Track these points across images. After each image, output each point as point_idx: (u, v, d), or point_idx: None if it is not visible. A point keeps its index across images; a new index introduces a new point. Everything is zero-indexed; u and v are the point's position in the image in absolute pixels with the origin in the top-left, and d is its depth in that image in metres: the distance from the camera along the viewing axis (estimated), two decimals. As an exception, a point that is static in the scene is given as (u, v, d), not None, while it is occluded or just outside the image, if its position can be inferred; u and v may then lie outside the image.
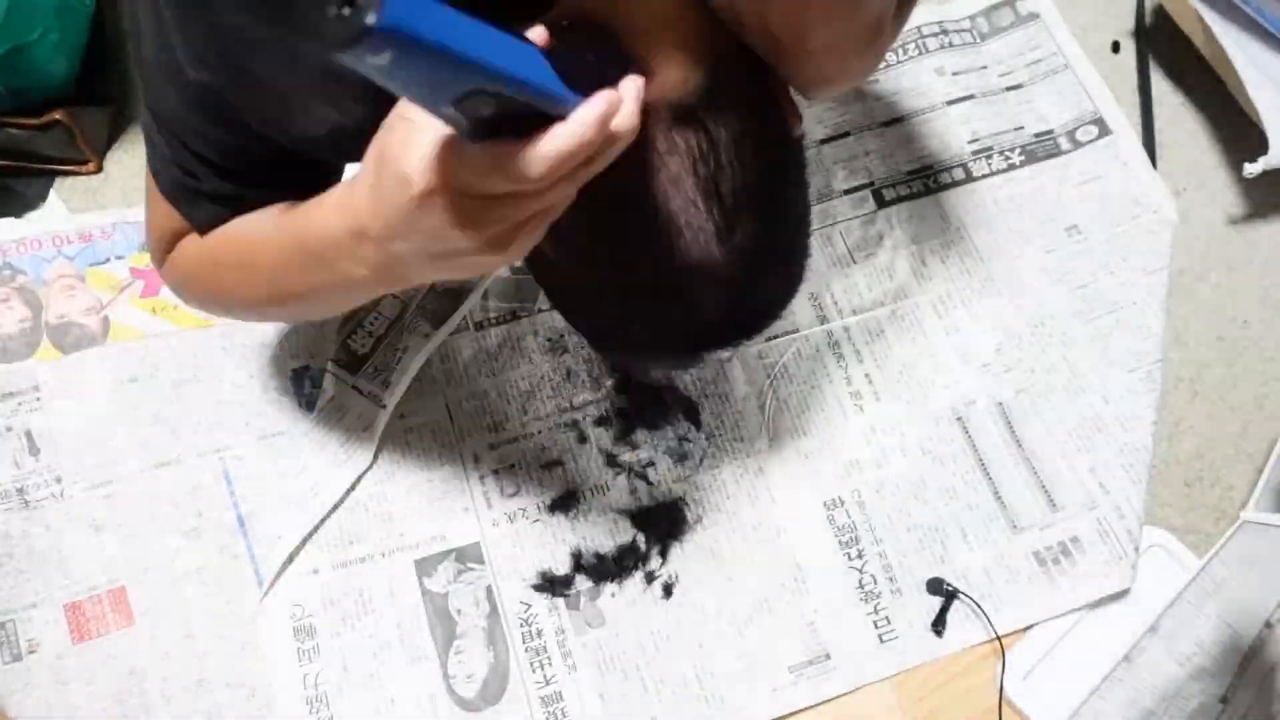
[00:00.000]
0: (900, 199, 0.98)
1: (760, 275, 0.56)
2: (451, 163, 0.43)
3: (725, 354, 0.57)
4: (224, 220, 0.64)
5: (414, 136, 0.44)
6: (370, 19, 0.30)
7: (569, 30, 0.45)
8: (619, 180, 0.50)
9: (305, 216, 0.57)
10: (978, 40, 1.04)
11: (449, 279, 0.50)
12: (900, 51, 1.03)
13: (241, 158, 0.60)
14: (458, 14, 0.34)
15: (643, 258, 0.51)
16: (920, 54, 1.03)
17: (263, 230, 0.61)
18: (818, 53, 0.56)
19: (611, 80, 0.42)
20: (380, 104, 0.48)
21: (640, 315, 0.54)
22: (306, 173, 0.62)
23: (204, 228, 0.64)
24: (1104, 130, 1.00)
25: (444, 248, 0.47)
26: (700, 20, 0.53)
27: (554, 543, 0.85)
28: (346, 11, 0.30)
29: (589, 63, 0.42)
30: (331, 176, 0.64)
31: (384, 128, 0.46)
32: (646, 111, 0.44)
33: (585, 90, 0.41)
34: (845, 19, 0.54)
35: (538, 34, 0.42)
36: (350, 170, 0.59)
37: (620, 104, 0.42)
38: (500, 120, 0.39)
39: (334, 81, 0.52)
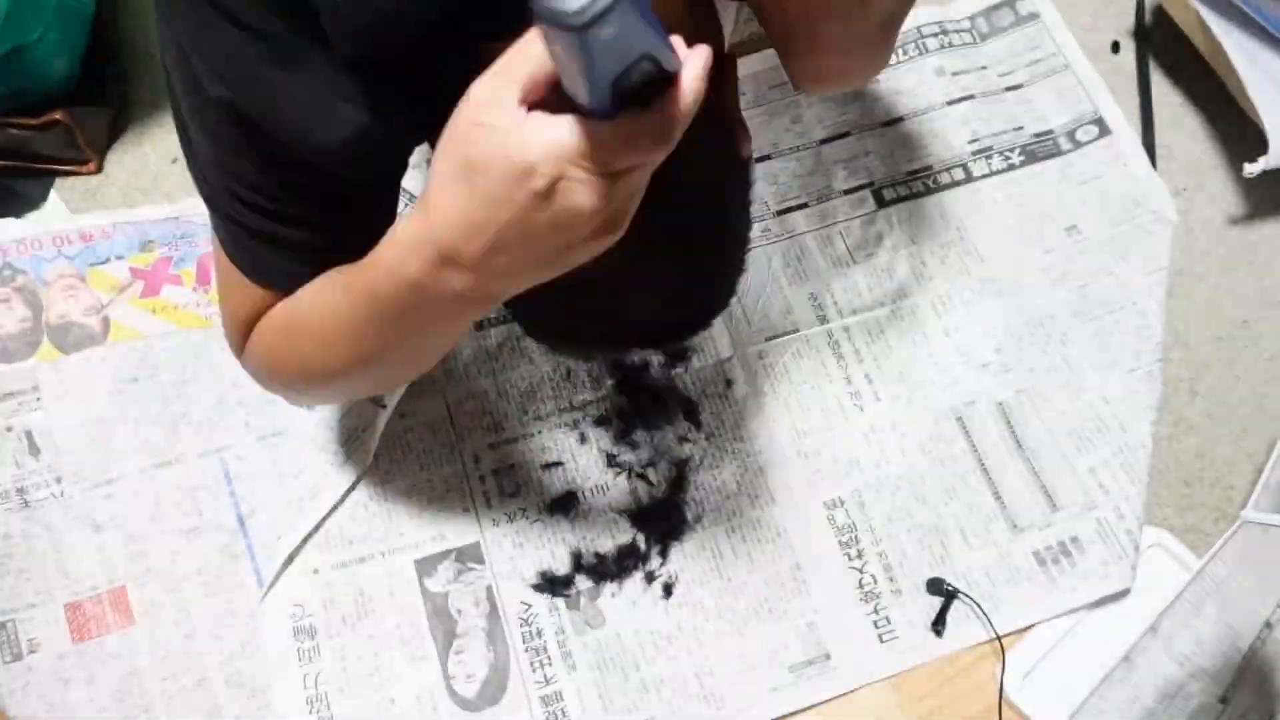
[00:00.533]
0: (900, 199, 0.98)
1: (697, 286, 0.57)
2: (585, 144, 0.40)
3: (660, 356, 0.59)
4: (302, 274, 0.59)
5: (526, 129, 0.41)
6: None
7: None
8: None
9: (371, 267, 0.53)
10: (977, 40, 1.04)
11: (545, 278, 0.49)
12: (900, 52, 1.03)
13: (286, 193, 0.56)
14: None
15: (589, 266, 0.48)
16: (920, 54, 1.03)
17: (330, 294, 0.57)
18: (828, 47, 0.57)
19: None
20: (395, 96, 0.50)
21: (582, 316, 0.56)
22: (356, 209, 0.58)
23: (281, 289, 0.60)
24: (1104, 130, 1.00)
25: (560, 241, 0.44)
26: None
27: (554, 543, 0.85)
28: None
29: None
30: (385, 213, 0.61)
31: (461, 141, 0.43)
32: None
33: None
34: (859, 15, 0.55)
35: None
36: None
37: (709, 55, 0.41)
38: (632, 93, 0.39)
39: (344, 75, 0.51)
